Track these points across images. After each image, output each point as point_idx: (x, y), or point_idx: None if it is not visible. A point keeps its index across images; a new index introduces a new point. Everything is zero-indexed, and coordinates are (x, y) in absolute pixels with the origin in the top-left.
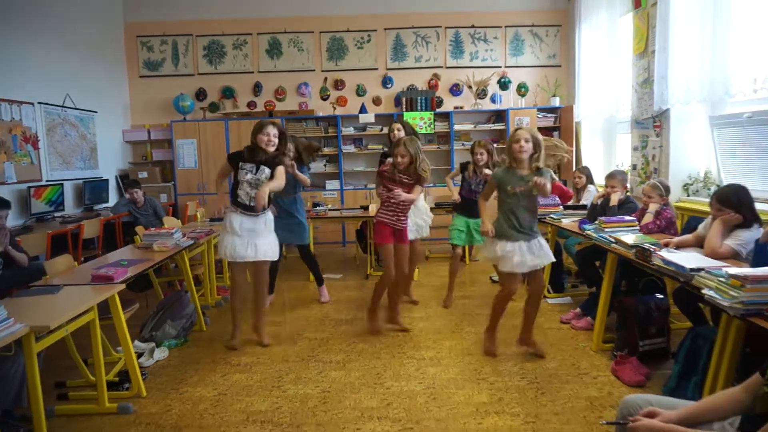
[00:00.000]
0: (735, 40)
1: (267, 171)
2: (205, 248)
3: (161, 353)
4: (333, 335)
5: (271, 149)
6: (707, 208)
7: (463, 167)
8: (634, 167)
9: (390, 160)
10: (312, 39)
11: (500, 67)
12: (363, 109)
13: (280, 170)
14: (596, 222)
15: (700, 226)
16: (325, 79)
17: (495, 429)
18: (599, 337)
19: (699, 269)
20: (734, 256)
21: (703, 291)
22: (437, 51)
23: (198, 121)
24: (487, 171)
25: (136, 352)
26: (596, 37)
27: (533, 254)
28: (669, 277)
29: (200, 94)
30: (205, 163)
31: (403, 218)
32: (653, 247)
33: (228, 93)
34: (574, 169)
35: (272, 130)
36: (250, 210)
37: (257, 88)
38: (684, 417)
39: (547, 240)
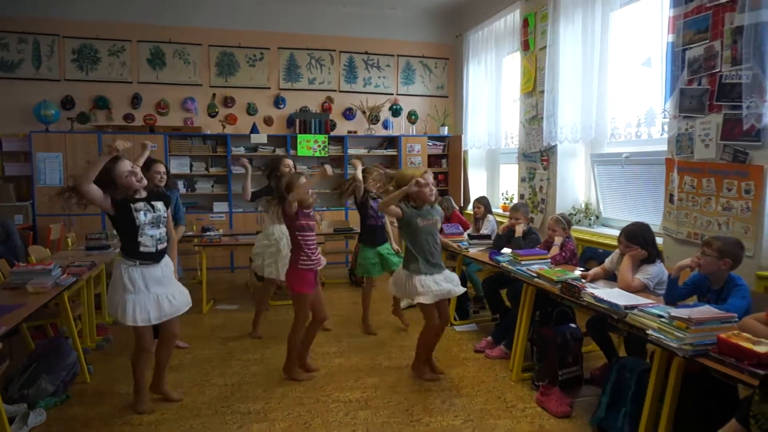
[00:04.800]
0: (615, 87)
1: (160, 204)
2: (84, 283)
3: (37, 417)
4: (245, 379)
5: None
6: (588, 237)
7: (360, 202)
8: (522, 197)
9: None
10: (200, 52)
11: (392, 94)
12: (254, 129)
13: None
14: (511, 254)
15: (607, 260)
16: (214, 95)
17: None
18: (519, 368)
19: (633, 307)
20: (644, 290)
21: (648, 332)
22: (331, 74)
23: (65, 133)
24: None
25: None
26: (483, 73)
27: (443, 284)
28: (598, 312)
29: (67, 103)
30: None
31: (318, 255)
32: (579, 282)
33: (101, 103)
34: (461, 197)
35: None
36: (153, 258)
37: (136, 100)
38: None
39: (453, 268)
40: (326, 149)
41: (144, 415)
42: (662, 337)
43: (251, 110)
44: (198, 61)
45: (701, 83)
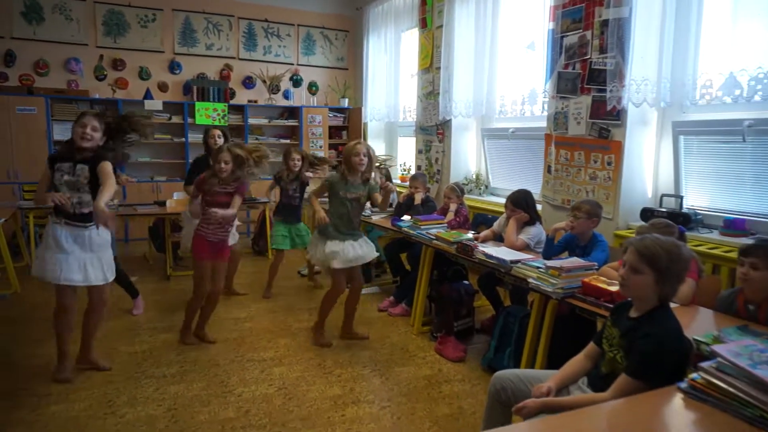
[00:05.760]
0: (503, 67)
1: (86, 169)
2: None
3: None
4: (155, 346)
5: (87, 144)
6: (478, 204)
7: (279, 177)
8: (419, 168)
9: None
10: (84, 8)
11: (293, 64)
12: (148, 95)
13: (106, 169)
14: (411, 220)
15: (495, 224)
16: (101, 56)
17: (358, 418)
18: (419, 322)
19: (517, 261)
20: (526, 248)
21: (529, 281)
22: (230, 41)
23: None
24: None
25: None
26: (382, 47)
27: (358, 250)
28: (488, 268)
29: None
30: None
31: (221, 231)
32: (472, 243)
33: None
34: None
35: (91, 122)
36: (76, 219)
37: (9, 58)
38: (557, 385)
39: None
40: (226, 118)
41: (53, 385)
42: (540, 284)
43: (144, 75)
44: (82, 18)
45: (575, 68)
